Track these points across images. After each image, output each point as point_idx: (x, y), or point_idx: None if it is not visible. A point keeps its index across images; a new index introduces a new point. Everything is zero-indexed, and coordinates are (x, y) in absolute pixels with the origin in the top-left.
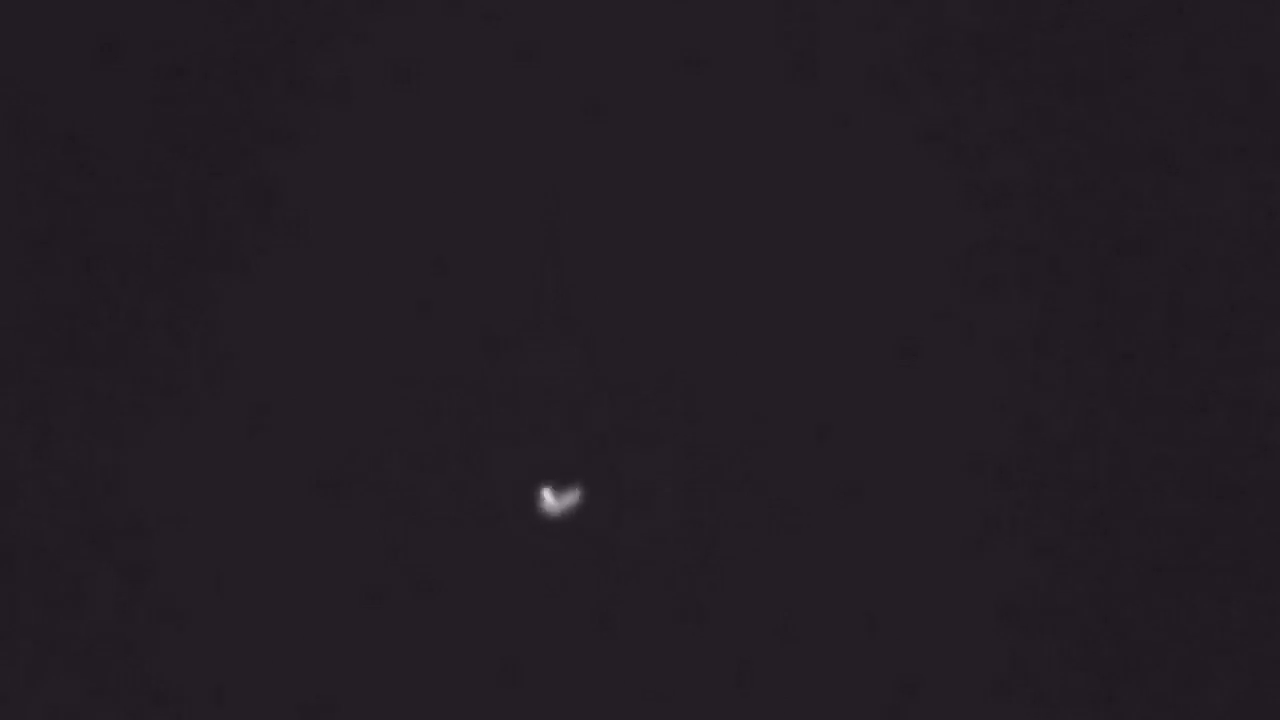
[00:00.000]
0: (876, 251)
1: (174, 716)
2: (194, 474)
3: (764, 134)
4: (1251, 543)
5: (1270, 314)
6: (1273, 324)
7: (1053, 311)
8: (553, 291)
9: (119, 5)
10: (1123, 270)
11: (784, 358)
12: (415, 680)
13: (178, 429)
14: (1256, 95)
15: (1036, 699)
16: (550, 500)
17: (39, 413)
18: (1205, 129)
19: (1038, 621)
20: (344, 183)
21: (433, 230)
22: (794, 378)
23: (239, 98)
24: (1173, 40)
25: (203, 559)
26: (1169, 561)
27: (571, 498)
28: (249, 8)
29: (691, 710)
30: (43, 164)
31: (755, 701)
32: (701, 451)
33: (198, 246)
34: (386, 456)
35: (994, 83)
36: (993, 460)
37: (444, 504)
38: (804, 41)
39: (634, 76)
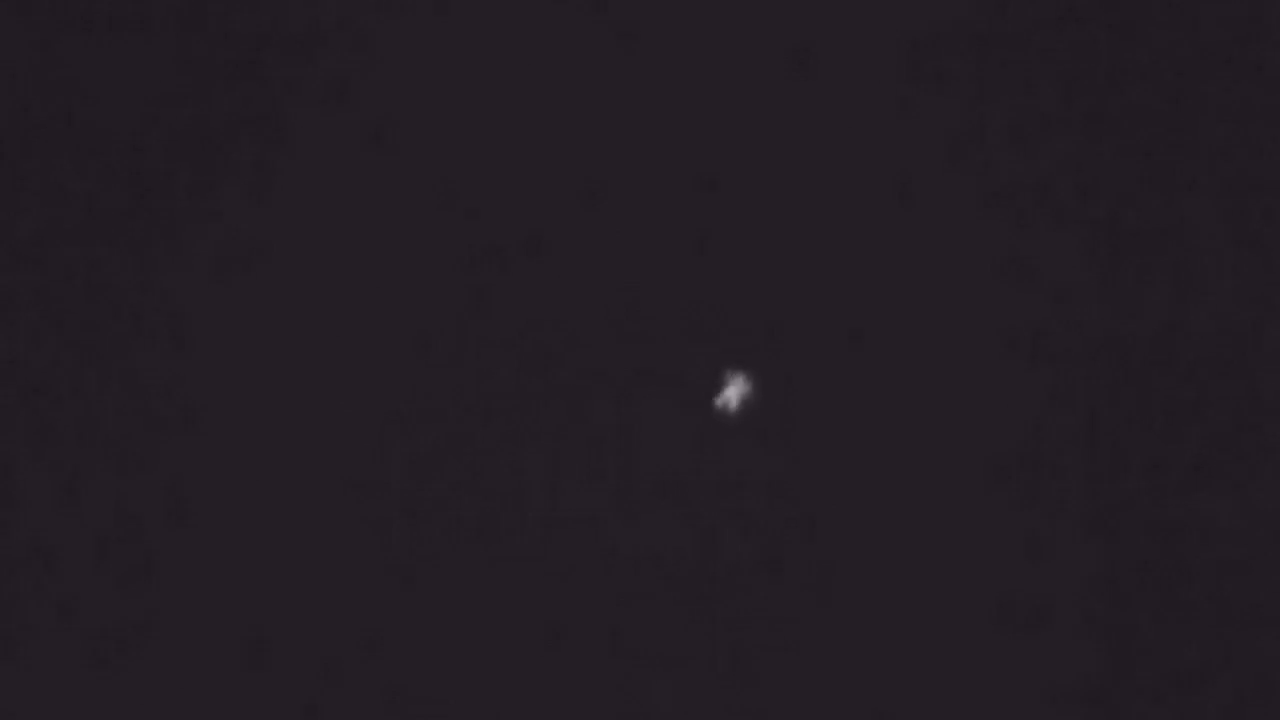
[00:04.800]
0: (876, 251)
1: (174, 716)
2: (193, 474)
3: (764, 133)
4: (1251, 542)
5: (1270, 314)
6: (1273, 324)
7: (1053, 310)
8: (552, 290)
9: (117, 4)
10: (1123, 269)
11: (782, 357)
12: (415, 680)
13: (177, 429)
14: (1257, 95)
15: (1036, 698)
16: (732, 395)
17: (38, 414)
18: (1206, 129)
19: (1038, 620)
20: (344, 181)
21: (430, 229)
22: (791, 376)
23: (238, 97)
24: (1173, 40)
25: (201, 559)
26: (1169, 561)
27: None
28: (249, 7)
29: (694, 710)
30: (43, 163)
31: (756, 701)
32: (701, 450)
33: (198, 246)
34: (386, 456)
35: (994, 82)
36: (994, 459)
37: (444, 503)
38: (804, 40)
39: (635, 76)
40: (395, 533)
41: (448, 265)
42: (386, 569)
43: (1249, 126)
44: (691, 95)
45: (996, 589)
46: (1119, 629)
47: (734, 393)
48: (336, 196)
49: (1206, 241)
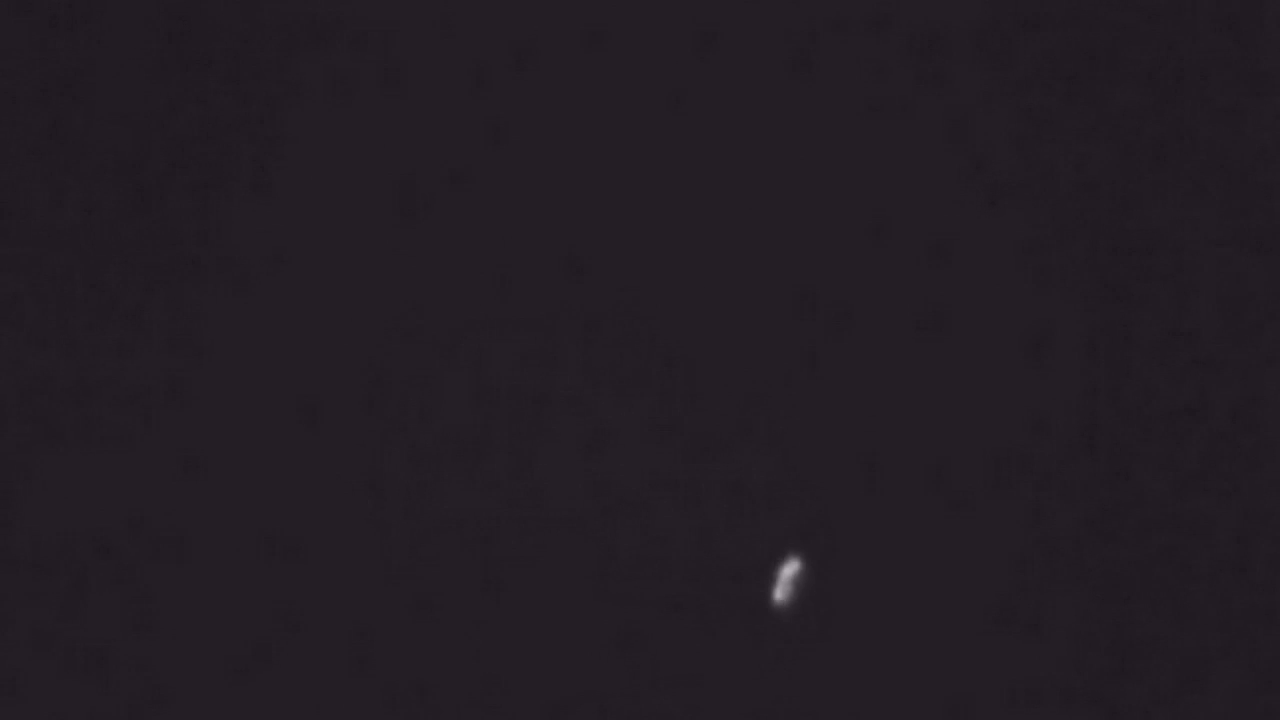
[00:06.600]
0: (874, 250)
1: (173, 716)
2: (194, 475)
3: (762, 133)
4: (1252, 542)
5: (1270, 314)
6: (1273, 324)
7: (1053, 310)
8: (554, 289)
9: (117, 4)
10: (1124, 270)
11: (778, 356)
12: (416, 682)
13: (173, 429)
14: (1258, 95)
15: (1036, 699)
16: (785, 584)
17: (33, 412)
18: (1207, 129)
19: (1037, 620)
20: (345, 182)
21: (431, 229)
22: (788, 376)
23: (235, 96)
24: (1174, 39)
25: (202, 560)
26: (1169, 561)
27: (790, 579)
28: (245, 5)
29: (693, 710)
30: (40, 163)
31: (755, 701)
32: (702, 450)
33: (194, 246)
34: (385, 456)
35: (995, 82)
36: (993, 459)
37: (446, 505)
38: (803, 39)
39: (636, 76)
40: (397, 534)
41: (449, 266)
42: (389, 570)
43: (1250, 126)
44: (698, 95)
45: (996, 589)
46: (1119, 629)
47: (787, 582)
48: (338, 197)
49: (1206, 241)
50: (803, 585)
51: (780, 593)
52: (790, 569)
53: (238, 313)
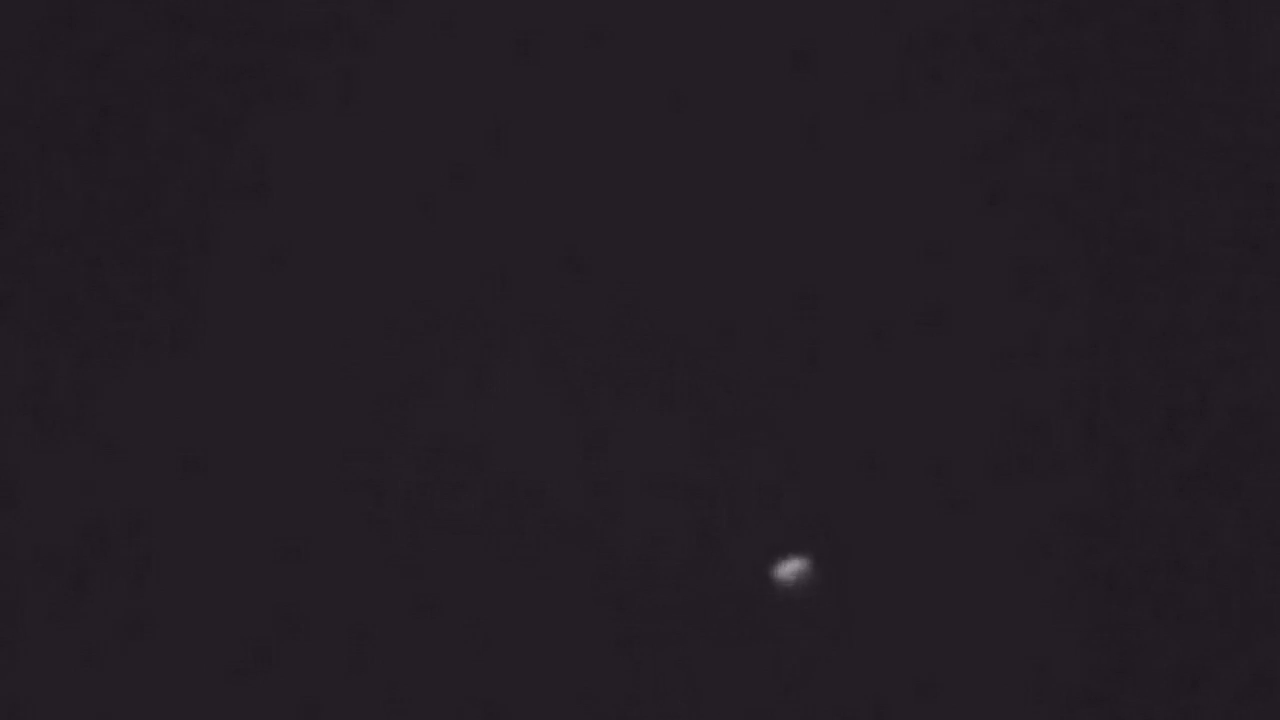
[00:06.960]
0: (874, 251)
1: (172, 715)
2: (193, 476)
3: (762, 133)
4: (1252, 542)
5: (1270, 314)
6: (1273, 324)
7: (1053, 310)
8: (553, 289)
9: (116, 4)
10: (1123, 269)
11: (778, 356)
12: (418, 682)
13: (173, 429)
14: (1257, 95)
15: (1036, 699)
16: (790, 573)
17: (39, 416)
18: (1206, 129)
19: (1037, 621)
20: (342, 182)
21: (429, 230)
22: (788, 377)
23: (235, 96)
24: (1174, 39)
25: (201, 560)
26: (1169, 561)
27: (797, 570)
28: (245, 5)
29: (691, 711)
30: (35, 159)
31: (755, 702)
32: (702, 450)
33: (193, 245)
34: (384, 456)
35: (995, 82)
36: (993, 459)
37: (445, 504)
38: (803, 40)
39: (635, 76)
40: (397, 534)
41: (449, 265)
42: (389, 570)
43: (1249, 126)
44: (692, 95)
45: (996, 589)
46: (1119, 629)
47: (792, 570)
48: (338, 197)
49: (1206, 241)
50: (804, 582)
51: (782, 581)
52: (793, 566)
53: (237, 313)
